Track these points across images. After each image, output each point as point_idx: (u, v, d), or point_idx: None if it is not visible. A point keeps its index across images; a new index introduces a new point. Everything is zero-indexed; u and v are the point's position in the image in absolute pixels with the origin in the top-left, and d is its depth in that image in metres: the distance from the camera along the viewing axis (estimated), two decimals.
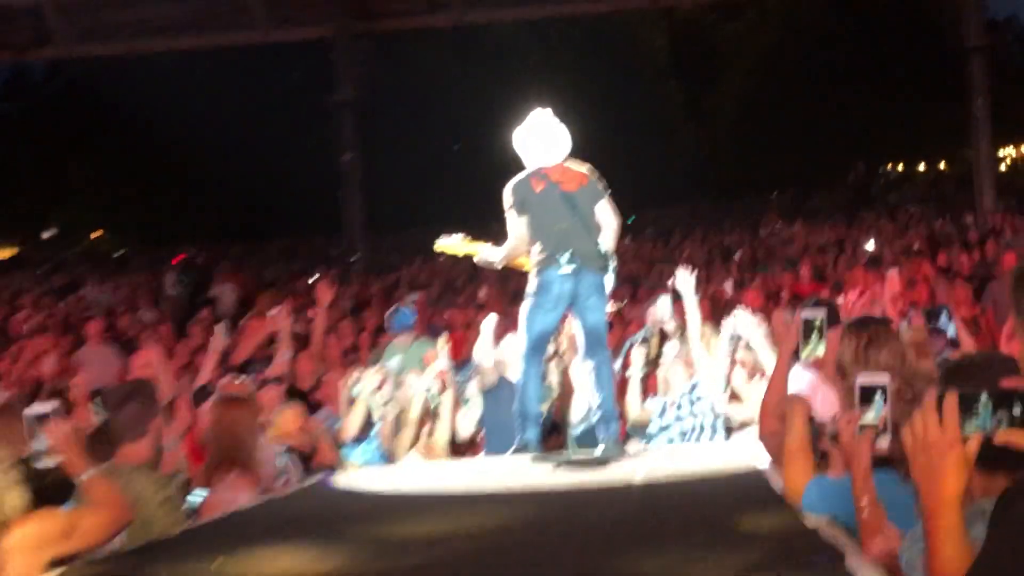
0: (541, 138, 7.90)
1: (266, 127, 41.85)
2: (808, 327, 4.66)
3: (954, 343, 9.26)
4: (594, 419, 7.84)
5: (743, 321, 8.28)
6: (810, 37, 43.49)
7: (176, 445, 7.34)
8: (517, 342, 8.02)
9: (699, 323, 8.77)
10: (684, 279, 9.02)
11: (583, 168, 7.90)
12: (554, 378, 8.94)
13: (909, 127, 41.88)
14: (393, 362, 9.73)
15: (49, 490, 5.21)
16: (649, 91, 44.74)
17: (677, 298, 9.81)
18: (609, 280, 7.82)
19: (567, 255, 7.56)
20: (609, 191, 7.91)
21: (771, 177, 42.08)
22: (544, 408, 8.43)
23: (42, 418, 4.69)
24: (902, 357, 4.52)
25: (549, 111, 7.99)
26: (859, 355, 4.49)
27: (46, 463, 4.68)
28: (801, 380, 5.68)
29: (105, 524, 4.41)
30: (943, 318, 10.18)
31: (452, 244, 9.07)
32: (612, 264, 7.79)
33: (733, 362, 8.72)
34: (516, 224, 7.83)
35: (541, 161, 7.85)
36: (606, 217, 7.84)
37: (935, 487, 2.50)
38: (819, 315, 4.69)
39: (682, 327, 9.17)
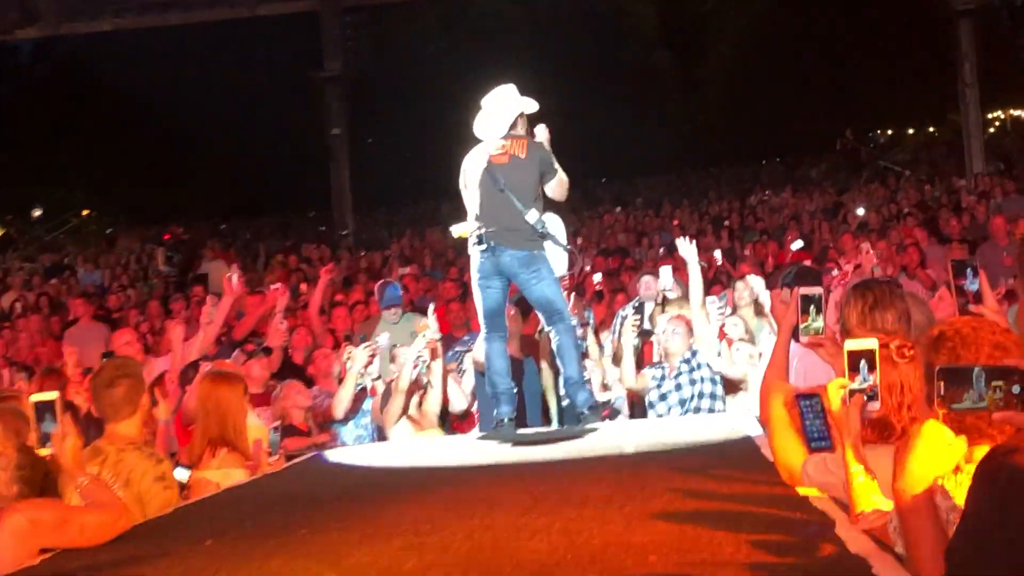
0: (484, 114, 7.86)
1: (256, 103, 41.75)
2: (806, 302, 4.65)
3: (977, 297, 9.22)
4: (565, 389, 7.86)
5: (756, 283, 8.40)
6: (799, 4, 43.38)
7: (168, 422, 7.35)
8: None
9: (701, 291, 8.78)
10: (686, 247, 9.03)
11: (526, 140, 7.77)
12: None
13: (899, 91, 41.86)
14: (382, 337, 9.72)
15: (48, 477, 5.23)
16: (637, 61, 44.64)
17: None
18: (554, 252, 7.73)
19: (484, 232, 7.54)
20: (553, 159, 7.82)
21: (761, 146, 42.06)
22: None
23: (45, 406, 4.67)
24: (908, 318, 4.52)
25: (511, 87, 7.91)
26: (864, 317, 4.48)
27: (47, 451, 4.68)
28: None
29: (102, 525, 4.41)
30: (968, 273, 10.14)
31: (467, 229, 9.08)
32: (553, 233, 7.70)
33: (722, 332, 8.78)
34: (464, 197, 7.85)
35: (486, 135, 7.80)
36: (555, 186, 7.78)
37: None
38: (817, 291, 4.68)
39: (682, 295, 9.21)
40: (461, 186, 7.85)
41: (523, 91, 7.93)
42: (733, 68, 44.05)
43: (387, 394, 8.46)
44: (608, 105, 38.61)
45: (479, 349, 8.59)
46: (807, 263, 12.43)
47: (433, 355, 8.57)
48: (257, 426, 6.84)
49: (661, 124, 44.18)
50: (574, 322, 8.07)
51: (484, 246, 7.52)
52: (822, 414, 4.06)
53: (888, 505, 3.38)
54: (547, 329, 7.79)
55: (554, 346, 7.75)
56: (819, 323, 4.62)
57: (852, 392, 3.62)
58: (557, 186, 7.76)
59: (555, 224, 7.78)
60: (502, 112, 7.78)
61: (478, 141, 7.83)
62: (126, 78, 41.49)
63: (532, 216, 7.54)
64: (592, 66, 40.54)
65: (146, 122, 44.93)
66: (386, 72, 34.65)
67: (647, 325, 9.68)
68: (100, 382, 5.57)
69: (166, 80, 41.42)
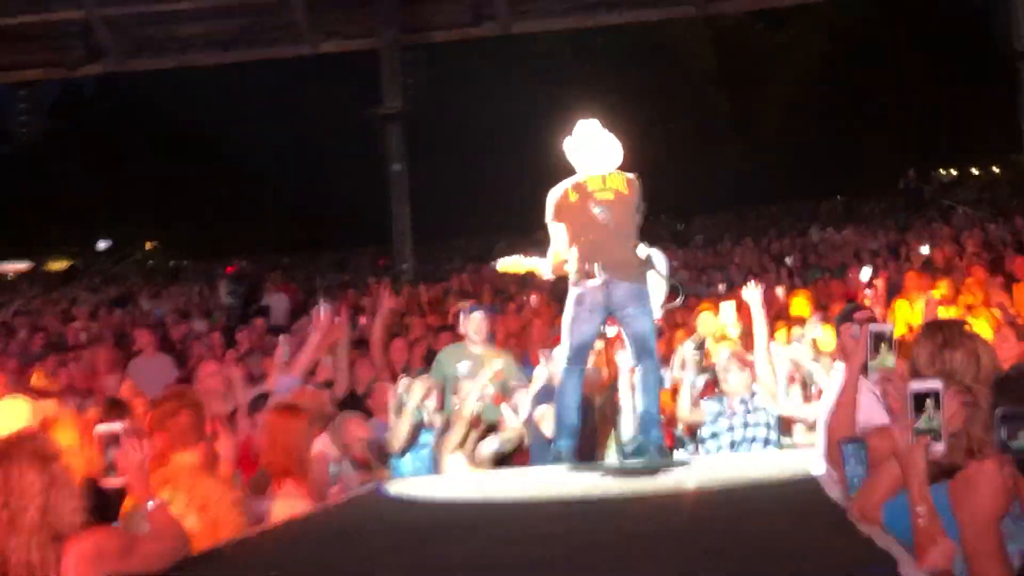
0: (585, 148, 7.90)
1: (316, 139, 42.11)
2: (876, 339, 4.64)
3: None
4: (638, 426, 7.83)
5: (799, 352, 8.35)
6: (858, 44, 43.24)
7: (232, 454, 7.41)
8: (559, 352, 8.02)
9: (765, 335, 8.74)
10: (751, 289, 9.01)
11: (626, 176, 7.87)
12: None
13: (962, 131, 41.59)
14: (462, 366, 9.74)
15: (112, 506, 5.30)
16: (694, 99, 44.64)
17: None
18: (656, 285, 7.78)
19: (597, 266, 7.54)
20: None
21: (819, 184, 41.86)
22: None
23: (112, 436, 4.74)
24: (977, 359, 4.49)
25: (596, 121, 7.98)
26: (934, 357, 4.46)
27: (112, 482, 4.75)
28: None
29: (163, 553, 4.46)
30: None
31: (513, 263, 9.10)
32: (659, 268, 7.76)
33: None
34: (553, 231, 7.86)
35: (586, 170, 7.85)
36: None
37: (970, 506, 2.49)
38: (888, 328, 4.68)
39: (745, 334, 9.17)
40: (551, 219, 7.83)
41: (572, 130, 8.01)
42: (791, 105, 43.95)
43: (447, 425, 8.48)
44: (665, 142, 38.60)
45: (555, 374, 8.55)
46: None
47: (498, 398, 8.57)
48: (322, 457, 6.89)
49: (718, 161, 44.13)
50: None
51: (599, 280, 7.53)
52: (865, 461, 4.06)
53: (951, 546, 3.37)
54: (634, 364, 7.76)
55: (638, 381, 7.73)
56: (889, 360, 4.60)
57: (917, 432, 3.61)
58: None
59: (659, 259, 7.82)
60: (605, 149, 7.85)
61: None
62: (189, 114, 42.06)
63: (643, 250, 7.60)
64: (648, 103, 40.56)
65: (209, 157, 45.54)
66: (444, 108, 34.85)
67: (703, 360, 9.66)
68: (164, 411, 5.64)
69: (229, 116, 41.90)
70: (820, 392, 8.30)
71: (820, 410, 6.13)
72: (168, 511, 4.77)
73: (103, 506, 5.33)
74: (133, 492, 4.83)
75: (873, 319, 6.56)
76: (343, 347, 10.42)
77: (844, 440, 4.51)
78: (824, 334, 9.38)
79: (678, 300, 8.15)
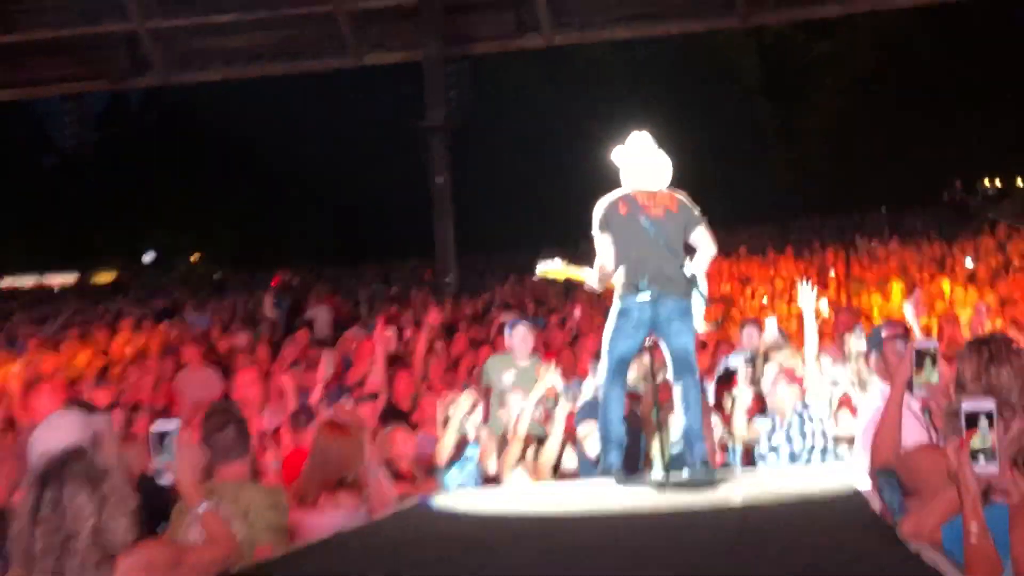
0: (637, 162, 7.88)
1: (359, 151, 42.26)
2: (921, 356, 4.62)
3: None
4: (681, 442, 7.82)
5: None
6: (902, 55, 43.00)
7: (276, 466, 7.47)
8: (600, 366, 8.02)
9: (816, 342, 8.71)
10: (806, 294, 8.98)
11: (677, 194, 7.86)
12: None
13: (1007, 143, 41.25)
14: (507, 376, 9.77)
15: (164, 506, 5.36)
16: (739, 110, 44.52)
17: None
18: (697, 303, 7.77)
19: (644, 281, 7.53)
20: (705, 218, 7.87)
21: (864, 195, 41.59)
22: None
23: (165, 435, 4.80)
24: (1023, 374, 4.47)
25: (649, 136, 7.97)
26: (980, 373, 4.44)
27: (165, 480, 4.81)
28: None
29: (214, 561, 4.50)
30: None
31: (553, 269, 9.08)
32: (701, 287, 7.75)
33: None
34: (601, 244, 7.84)
35: (635, 184, 7.84)
36: (701, 243, 7.81)
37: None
38: (932, 344, 4.66)
39: (794, 346, 9.14)
40: (599, 230, 7.82)
41: (624, 139, 8.00)
42: (836, 117, 43.74)
43: (502, 438, 8.50)
44: (709, 153, 38.49)
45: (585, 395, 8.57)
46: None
47: (546, 416, 8.59)
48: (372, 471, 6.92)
49: (762, 172, 43.97)
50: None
51: (647, 295, 7.53)
52: (899, 488, 4.06)
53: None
54: (674, 381, 7.75)
55: (680, 397, 7.72)
56: (934, 376, 4.59)
57: (972, 452, 3.59)
58: (703, 238, 7.82)
59: (701, 279, 7.81)
60: (658, 166, 7.85)
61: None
62: (234, 126, 42.30)
63: (688, 269, 7.61)
64: (693, 114, 40.47)
65: (253, 169, 45.76)
66: (487, 121, 34.88)
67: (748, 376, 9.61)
68: (210, 425, 5.69)
69: (273, 128, 42.11)
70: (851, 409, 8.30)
71: (861, 428, 6.11)
72: (218, 517, 4.81)
73: (155, 503, 5.39)
74: (184, 492, 4.88)
75: (907, 335, 6.56)
76: (380, 361, 10.50)
77: (873, 472, 4.50)
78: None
79: (713, 325, 8.15)
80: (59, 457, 4.19)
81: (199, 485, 4.85)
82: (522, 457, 8.26)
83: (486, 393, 9.75)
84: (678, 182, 7.97)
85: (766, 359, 9.65)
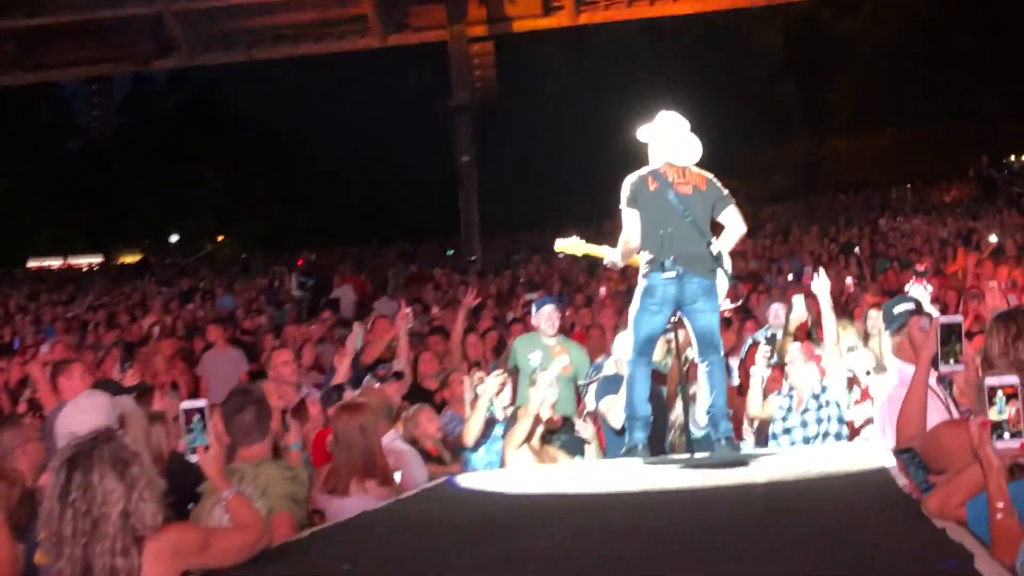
0: (670, 138, 7.84)
1: (385, 131, 42.23)
2: (947, 331, 4.59)
3: None
4: (706, 420, 7.82)
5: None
6: (928, 30, 42.71)
7: (298, 447, 7.51)
8: (625, 344, 8.01)
9: (835, 328, 8.68)
10: (819, 283, 8.95)
11: (705, 174, 7.83)
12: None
13: None
14: (534, 356, 9.79)
15: (194, 484, 5.40)
16: (764, 88, 44.32)
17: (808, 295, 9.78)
18: (721, 281, 7.75)
19: (670, 259, 7.50)
20: (733, 200, 7.84)
21: (889, 172, 41.41)
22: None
23: (194, 414, 4.83)
24: None
25: (676, 114, 7.93)
26: (1007, 347, 4.41)
27: (194, 457, 4.85)
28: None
29: (243, 545, 4.52)
30: None
31: (571, 244, 9.06)
32: (725, 265, 7.72)
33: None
34: (628, 219, 7.80)
35: (665, 159, 7.80)
36: (732, 222, 7.78)
37: None
38: (957, 319, 4.63)
39: (813, 327, 9.14)
40: (626, 205, 7.77)
41: (648, 118, 7.97)
42: (860, 93, 43.50)
43: (514, 419, 8.51)
44: (734, 132, 38.33)
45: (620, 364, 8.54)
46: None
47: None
48: (394, 451, 6.96)
49: (787, 150, 43.80)
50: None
51: (673, 273, 7.51)
52: (922, 465, 4.04)
53: None
54: (699, 360, 7.74)
55: (704, 376, 7.72)
56: (959, 352, 4.57)
57: (993, 427, 3.58)
58: (732, 217, 7.80)
59: (726, 257, 7.78)
60: (688, 144, 7.82)
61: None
62: (259, 107, 42.34)
63: (715, 247, 7.60)
64: (718, 92, 40.30)
65: (278, 150, 45.80)
66: (512, 100, 34.84)
67: (775, 357, 9.59)
68: (229, 409, 5.72)
69: (298, 109, 42.12)
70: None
71: (885, 406, 6.08)
72: (245, 502, 4.83)
73: (185, 481, 5.42)
74: (211, 476, 4.91)
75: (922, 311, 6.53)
76: (403, 340, 10.54)
77: (896, 451, 4.49)
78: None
79: (738, 302, 8.12)
80: (88, 439, 4.21)
81: (223, 474, 4.88)
82: (531, 436, 8.25)
83: (514, 373, 9.77)
84: (703, 160, 7.94)
85: (795, 338, 9.64)
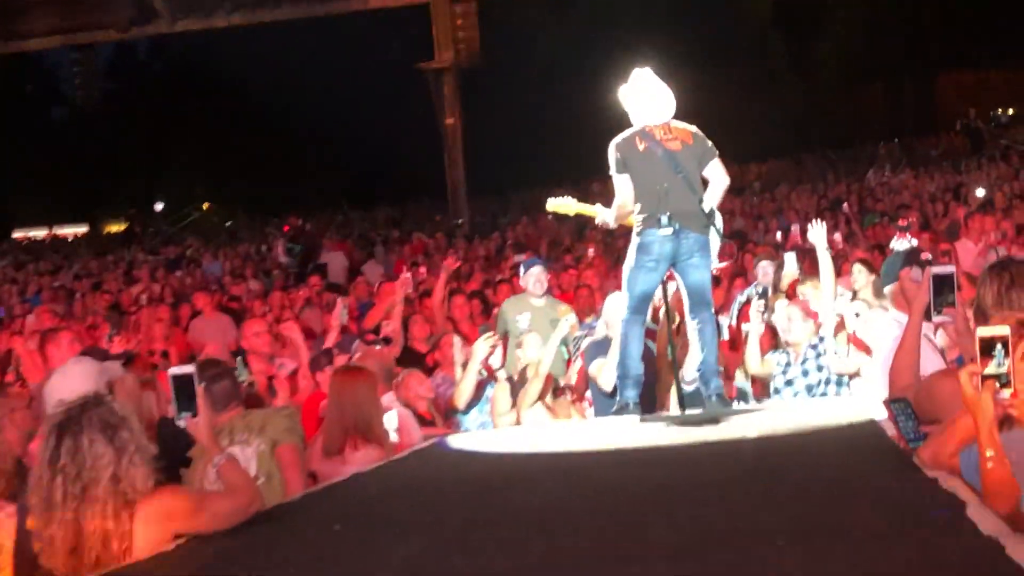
0: (645, 96, 7.82)
1: (369, 95, 42.10)
2: (939, 282, 4.59)
3: None
4: (697, 376, 7.82)
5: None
6: None
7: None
8: (619, 302, 8.00)
9: (832, 279, 8.68)
10: (817, 232, 8.93)
11: (689, 128, 7.81)
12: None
13: (1022, 69, 40.96)
14: (522, 318, 9.78)
15: (184, 449, 5.40)
16: (751, 43, 44.20)
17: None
18: (714, 239, 7.74)
19: (667, 216, 7.48)
20: (717, 152, 7.82)
21: (878, 127, 41.36)
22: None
23: (181, 379, 4.81)
24: None
25: (649, 70, 7.91)
26: (1001, 297, 4.40)
27: (182, 423, 4.83)
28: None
29: (234, 510, 4.50)
30: None
31: (563, 204, 9.04)
32: (717, 223, 7.71)
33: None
34: (620, 182, 7.78)
35: (645, 119, 7.78)
36: (715, 175, 7.76)
37: None
38: (950, 270, 4.61)
39: (807, 281, 9.13)
40: (616, 170, 7.75)
41: (627, 78, 7.95)
42: (848, 48, 43.41)
43: (515, 382, 8.51)
44: (721, 88, 38.24)
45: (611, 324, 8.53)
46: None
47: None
48: (386, 414, 6.95)
49: (775, 106, 43.71)
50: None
51: (670, 229, 7.49)
52: (913, 415, 4.03)
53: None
54: (690, 316, 7.74)
55: (695, 333, 7.71)
56: (952, 302, 4.56)
57: (984, 378, 3.58)
58: (716, 171, 7.78)
59: (716, 214, 7.76)
60: (664, 97, 7.79)
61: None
62: (242, 73, 42.18)
63: (706, 204, 7.58)
64: (705, 49, 40.18)
65: (262, 116, 45.65)
66: (497, 62, 34.70)
67: (767, 312, 9.59)
68: (207, 377, 5.76)
69: (281, 74, 41.96)
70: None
71: (879, 357, 6.08)
72: (237, 466, 4.82)
73: (175, 446, 5.42)
74: (201, 441, 4.91)
75: (930, 261, 6.52)
76: (398, 306, 10.53)
77: (888, 401, 4.48)
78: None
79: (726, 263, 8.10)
80: (77, 405, 4.21)
81: (213, 433, 4.88)
82: (542, 396, 8.26)
83: (503, 336, 9.77)
84: (691, 117, 7.93)
85: (788, 297, 9.62)
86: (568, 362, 9.54)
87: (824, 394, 8.25)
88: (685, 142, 7.68)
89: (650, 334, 8.97)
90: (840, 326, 8.53)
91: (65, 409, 4.21)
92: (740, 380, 9.30)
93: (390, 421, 6.89)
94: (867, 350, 7.94)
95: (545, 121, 42.64)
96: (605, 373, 8.28)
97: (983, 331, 3.63)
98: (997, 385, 3.56)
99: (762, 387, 8.94)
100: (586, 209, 8.77)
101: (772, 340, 9.00)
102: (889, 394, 4.82)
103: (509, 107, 40.86)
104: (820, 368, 8.31)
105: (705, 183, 7.77)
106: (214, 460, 4.74)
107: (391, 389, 7.98)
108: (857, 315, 8.60)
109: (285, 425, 5.61)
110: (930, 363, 5.03)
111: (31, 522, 4.26)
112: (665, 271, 7.70)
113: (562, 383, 8.97)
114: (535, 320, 9.82)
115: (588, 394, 8.97)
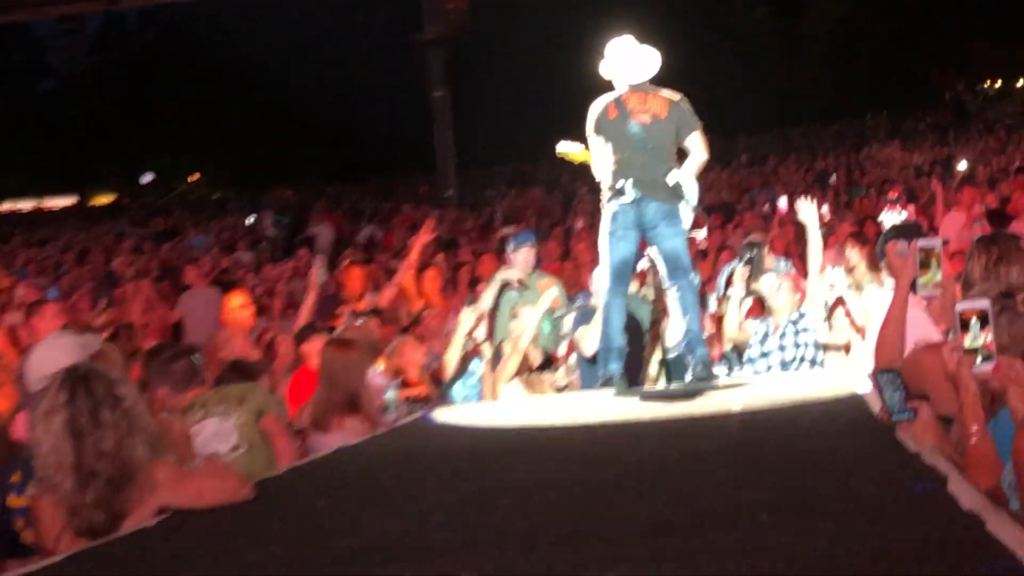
0: (622, 65, 7.83)
1: (357, 67, 41.94)
2: (925, 256, 4.58)
3: None
4: (681, 346, 7.82)
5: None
6: None
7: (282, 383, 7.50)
8: (601, 276, 7.99)
9: (820, 255, 8.67)
10: (806, 209, 8.91)
11: (673, 96, 7.79)
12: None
13: (1007, 44, 40.92)
14: (512, 292, 9.76)
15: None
16: (740, 16, 44.10)
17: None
18: (684, 209, 7.72)
19: (628, 183, 7.51)
20: (701, 123, 7.80)
21: (865, 100, 41.32)
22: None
23: None
24: None
25: (630, 37, 7.90)
26: (988, 271, 4.41)
27: None
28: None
29: (222, 490, 4.45)
30: None
31: (572, 150, 9.05)
32: (686, 193, 7.69)
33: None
34: (594, 145, 7.84)
35: (625, 83, 7.79)
36: (694, 147, 7.76)
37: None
38: (936, 243, 4.61)
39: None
40: (591, 132, 7.80)
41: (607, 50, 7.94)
42: (836, 21, 43.34)
43: (500, 353, 8.49)
44: (710, 61, 38.17)
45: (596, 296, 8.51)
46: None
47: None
48: (376, 386, 6.96)
49: (762, 80, 43.65)
50: (695, 280, 8.02)
51: (630, 197, 7.51)
52: (901, 387, 4.04)
53: None
54: (668, 284, 7.74)
55: (676, 301, 7.71)
56: (939, 276, 4.57)
57: (965, 352, 3.58)
58: (695, 144, 7.76)
59: (691, 189, 7.75)
60: (640, 62, 7.78)
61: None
62: (230, 45, 42.00)
63: (672, 177, 7.57)
64: (694, 22, 40.08)
65: (251, 88, 45.47)
66: (486, 33, 34.58)
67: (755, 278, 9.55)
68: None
69: (270, 46, 41.77)
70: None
71: (868, 330, 6.08)
72: (220, 461, 4.86)
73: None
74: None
75: (920, 233, 6.52)
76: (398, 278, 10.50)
77: (876, 371, 4.48)
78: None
79: (702, 232, 8.10)
80: (80, 372, 4.16)
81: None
82: (522, 370, 8.25)
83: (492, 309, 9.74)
84: (679, 88, 7.90)
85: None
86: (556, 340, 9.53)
87: (798, 371, 8.24)
88: (658, 116, 7.68)
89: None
90: (837, 303, 8.54)
91: (67, 380, 4.15)
92: (727, 348, 9.30)
93: None
94: (857, 327, 7.96)
95: (534, 92, 42.53)
96: (587, 340, 8.27)
97: (961, 305, 3.64)
98: (979, 359, 3.57)
99: (738, 355, 8.93)
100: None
101: (760, 311, 8.99)
102: (874, 367, 4.83)
103: (498, 78, 40.75)
104: (798, 345, 8.31)
105: (686, 154, 7.77)
106: (194, 464, 4.80)
107: (374, 362, 7.97)
108: (832, 286, 8.62)
109: (266, 395, 5.64)
110: (927, 332, 5.03)
111: (15, 499, 4.25)
112: (637, 239, 7.71)
113: (546, 357, 8.96)
114: (524, 294, 9.79)
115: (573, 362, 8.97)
